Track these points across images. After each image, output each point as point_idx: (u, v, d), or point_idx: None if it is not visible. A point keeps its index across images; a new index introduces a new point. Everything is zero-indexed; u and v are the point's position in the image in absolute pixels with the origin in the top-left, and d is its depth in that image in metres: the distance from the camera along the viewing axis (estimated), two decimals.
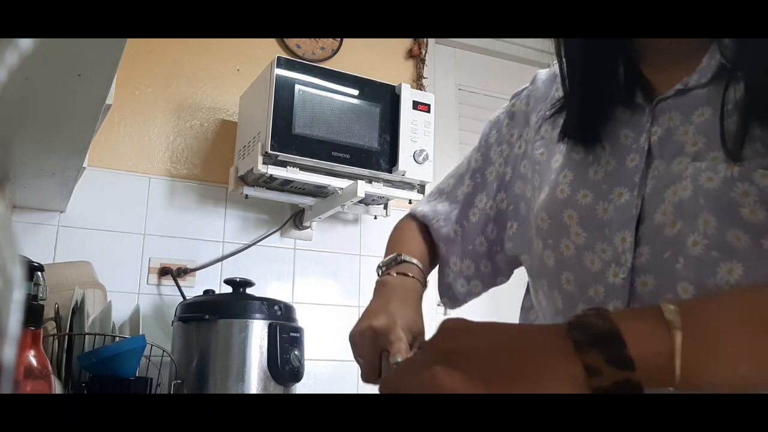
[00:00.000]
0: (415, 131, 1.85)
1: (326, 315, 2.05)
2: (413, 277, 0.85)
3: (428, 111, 1.89)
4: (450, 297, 0.93)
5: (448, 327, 0.51)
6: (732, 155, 0.59)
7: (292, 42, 2.17)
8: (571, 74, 0.73)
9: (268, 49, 2.10)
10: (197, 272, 1.92)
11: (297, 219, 2.06)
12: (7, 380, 0.26)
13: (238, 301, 1.67)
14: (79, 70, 0.92)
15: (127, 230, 1.88)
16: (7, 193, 1.52)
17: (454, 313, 0.83)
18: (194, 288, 1.89)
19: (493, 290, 0.92)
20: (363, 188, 1.74)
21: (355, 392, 1.91)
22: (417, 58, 2.35)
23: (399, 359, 0.69)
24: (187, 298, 1.80)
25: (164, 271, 1.88)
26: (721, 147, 0.60)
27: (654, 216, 0.64)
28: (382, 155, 1.81)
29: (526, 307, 0.88)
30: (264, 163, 1.70)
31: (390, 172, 1.81)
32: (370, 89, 1.83)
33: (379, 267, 0.89)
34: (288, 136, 1.70)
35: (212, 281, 1.90)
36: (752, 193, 0.57)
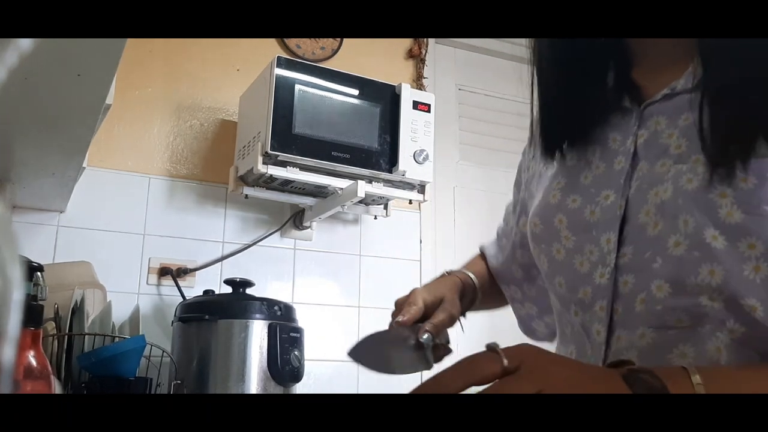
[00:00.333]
0: (415, 131, 1.85)
1: (326, 315, 2.05)
2: (452, 275, 0.93)
3: (428, 111, 1.89)
4: (520, 320, 0.97)
5: (536, 352, 0.53)
6: (710, 158, 0.59)
7: (292, 42, 2.17)
8: (561, 81, 0.74)
9: (268, 49, 2.10)
10: (197, 272, 1.92)
11: (297, 219, 2.06)
12: (6, 380, 0.26)
13: (238, 301, 1.67)
14: (79, 70, 0.92)
15: (127, 230, 1.88)
16: (7, 193, 1.52)
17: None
18: (194, 288, 1.89)
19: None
20: (363, 188, 1.74)
21: (355, 392, 1.90)
22: (417, 58, 2.35)
23: (426, 337, 0.77)
24: (187, 298, 1.80)
25: (164, 271, 1.88)
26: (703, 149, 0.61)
27: (638, 216, 0.65)
28: (382, 155, 1.81)
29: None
30: (264, 163, 1.70)
31: (390, 172, 1.81)
32: (370, 89, 1.83)
33: None
34: (288, 136, 1.70)
35: (212, 281, 1.90)
36: (729, 195, 0.58)
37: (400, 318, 0.81)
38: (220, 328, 1.61)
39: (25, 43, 0.30)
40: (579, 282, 0.70)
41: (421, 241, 2.24)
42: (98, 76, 0.95)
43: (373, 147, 1.80)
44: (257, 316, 1.62)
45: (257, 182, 1.84)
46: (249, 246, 2.00)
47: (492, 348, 0.53)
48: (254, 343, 1.60)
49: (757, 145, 0.58)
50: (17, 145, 1.25)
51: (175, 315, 1.71)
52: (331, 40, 2.23)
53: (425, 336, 0.78)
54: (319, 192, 1.90)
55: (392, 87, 1.87)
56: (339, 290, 2.11)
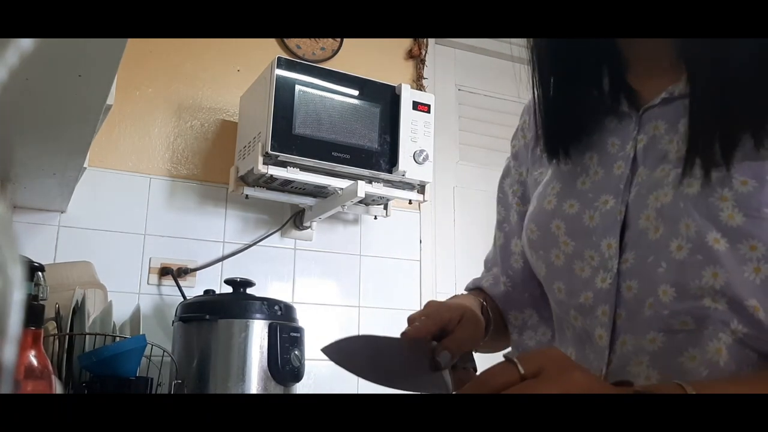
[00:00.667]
0: (415, 131, 1.85)
1: (326, 315, 2.05)
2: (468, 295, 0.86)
3: (428, 111, 1.89)
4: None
5: (559, 356, 0.54)
6: (705, 162, 0.60)
7: (292, 42, 2.17)
8: (557, 85, 0.74)
9: (268, 49, 2.10)
10: (197, 272, 1.92)
11: (297, 219, 2.06)
12: (7, 380, 0.26)
13: (238, 301, 1.67)
14: (79, 70, 0.92)
15: (128, 230, 1.88)
16: (8, 194, 1.52)
17: None
18: (194, 288, 1.89)
19: None
20: (363, 188, 1.75)
21: (355, 392, 1.91)
22: (417, 58, 2.35)
23: (443, 355, 0.67)
24: (188, 298, 1.80)
25: (165, 271, 1.88)
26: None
27: (638, 222, 0.65)
28: (382, 155, 1.81)
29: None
30: (264, 163, 1.70)
31: (390, 172, 1.81)
32: (370, 90, 1.83)
33: None
34: (288, 137, 1.70)
35: (212, 281, 1.90)
36: (729, 198, 0.58)
37: (408, 329, 0.70)
38: (221, 327, 1.61)
39: (26, 44, 0.30)
40: (579, 287, 0.70)
41: (421, 241, 2.24)
42: (99, 77, 0.95)
43: (373, 147, 1.80)
44: (257, 315, 1.62)
45: (257, 182, 1.84)
46: (249, 246, 2.00)
47: (508, 358, 0.53)
48: (254, 343, 1.60)
49: (742, 145, 0.58)
50: (18, 145, 1.25)
51: (175, 315, 1.71)
52: (331, 40, 2.23)
53: (443, 354, 0.68)
54: (319, 192, 1.90)
55: (392, 87, 1.87)
56: (339, 290, 2.11)
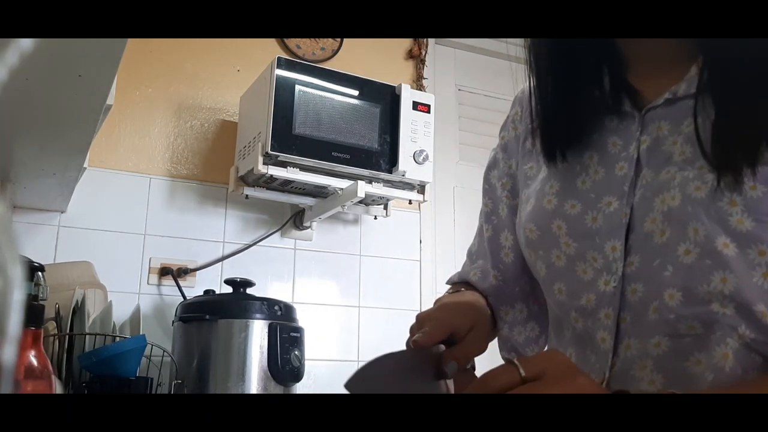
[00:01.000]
0: (415, 131, 1.85)
1: (326, 315, 2.05)
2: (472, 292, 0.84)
3: (428, 111, 1.89)
4: (509, 349, 0.85)
5: (562, 360, 0.54)
6: (717, 166, 0.59)
7: (292, 42, 2.17)
8: (555, 79, 0.73)
9: (268, 49, 2.10)
10: (197, 272, 1.92)
11: (297, 219, 2.06)
12: (7, 380, 0.26)
13: (238, 301, 1.67)
14: (79, 70, 0.92)
15: (128, 230, 1.88)
16: (8, 194, 1.52)
17: None
18: (194, 288, 1.89)
19: None
20: (363, 188, 1.75)
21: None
22: (417, 58, 2.35)
23: (451, 365, 0.65)
24: (188, 298, 1.80)
25: (165, 271, 1.88)
26: (703, 156, 0.61)
27: (643, 224, 0.65)
28: (382, 155, 1.81)
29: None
30: (264, 163, 1.70)
31: (390, 172, 1.81)
32: (370, 90, 1.83)
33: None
34: (288, 137, 1.70)
35: (212, 281, 1.90)
36: (739, 202, 0.58)
37: (418, 336, 0.67)
38: (221, 327, 1.61)
39: (26, 44, 0.30)
40: (581, 289, 0.69)
41: (421, 241, 2.24)
42: (99, 77, 0.95)
43: (373, 147, 1.80)
44: (257, 315, 1.62)
45: (257, 182, 1.84)
46: (249, 246, 2.00)
47: (509, 360, 0.52)
48: (254, 343, 1.60)
49: (762, 151, 0.57)
50: (18, 145, 1.25)
51: (175, 315, 1.71)
52: (331, 40, 2.23)
53: (450, 364, 0.66)
54: (319, 192, 1.90)
55: (392, 87, 1.87)
56: (339, 290, 2.11)
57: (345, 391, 0.57)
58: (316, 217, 1.98)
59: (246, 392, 1.56)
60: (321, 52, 2.20)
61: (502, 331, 0.86)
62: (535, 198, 0.75)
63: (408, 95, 1.87)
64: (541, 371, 0.51)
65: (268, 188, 1.88)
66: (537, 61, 0.74)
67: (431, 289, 2.18)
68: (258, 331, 1.61)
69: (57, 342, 1.47)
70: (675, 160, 0.64)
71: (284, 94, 1.72)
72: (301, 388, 1.70)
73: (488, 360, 0.70)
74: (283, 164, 1.73)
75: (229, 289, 1.75)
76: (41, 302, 1.21)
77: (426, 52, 2.37)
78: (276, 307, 1.66)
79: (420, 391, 0.65)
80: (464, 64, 2.49)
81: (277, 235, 2.05)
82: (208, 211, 1.99)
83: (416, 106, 1.87)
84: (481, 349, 0.73)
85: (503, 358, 0.54)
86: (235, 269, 1.94)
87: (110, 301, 1.63)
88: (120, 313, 1.65)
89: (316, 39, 2.21)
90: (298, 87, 1.74)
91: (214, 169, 2.01)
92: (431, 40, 2.40)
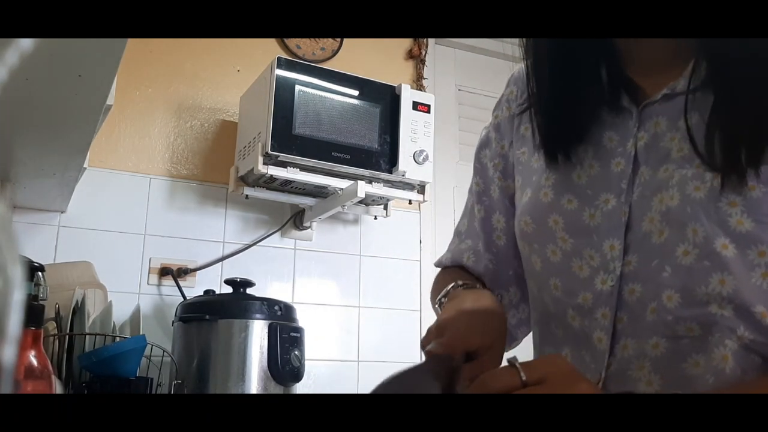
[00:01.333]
0: (415, 131, 1.85)
1: (326, 315, 2.05)
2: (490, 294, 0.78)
3: (428, 111, 1.89)
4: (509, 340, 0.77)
5: (564, 365, 0.54)
6: (708, 164, 0.59)
7: (292, 42, 2.17)
8: (553, 77, 0.72)
9: (268, 49, 2.10)
10: (197, 272, 1.92)
11: (297, 219, 2.06)
12: (7, 380, 0.26)
13: (238, 301, 1.67)
14: (79, 70, 0.92)
15: (128, 230, 1.88)
16: (8, 194, 1.52)
17: None
18: (195, 288, 1.89)
19: None
20: (363, 188, 1.75)
21: (355, 392, 1.90)
22: (417, 58, 2.35)
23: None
24: (188, 298, 1.80)
25: (165, 272, 1.88)
26: (698, 156, 0.60)
27: (641, 224, 0.64)
28: (382, 155, 1.81)
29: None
30: (264, 163, 1.70)
31: (390, 172, 1.81)
32: (370, 90, 1.83)
33: (437, 300, 0.79)
34: (288, 137, 1.70)
35: (213, 281, 1.90)
36: (739, 203, 0.57)
37: (433, 347, 0.62)
38: (221, 328, 1.61)
39: (26, 44, 0.30)
40: (578, 286, 0.68)
41: (420, 241, 2.24)
42: (99, 77, 0.95)
43: (373, 147, 1.80)
44: (257, 316, 1.62)
45: (257, 182, 1.84)
46: (249, 246, 2.00)
47: (511, 362, 0.52)
48: (254, 343, 1.60)
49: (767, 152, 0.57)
50: (18, 145, 1.25)
51: (175, 315, 1.71)
52: (331, 40, 2.23)
53: (462, 385, 0.61)
54: (319, 192, 1.90)
55: (392, 87, 1.87)
56: (339, 290, 2.11)
57: (345, 392, 0.57)
58: (316, 217, 1.98)
59: (246, 392, 1.56)
60: (321, 52, 2.20)
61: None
62: (531, 189, 0.74)
63: (408, 95, 1.87)
64: (542, 376, 0.51)
65: (268, 188, 1.88)
66: (535, 61, 0.74)
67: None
68: (258, 331, 1.61)
69: (57, 342, 1.47)
70: (673, 158, 0.63)
71: (284, 94, 1.72)
72: (301, 388, 1.70)
73: None
74: (283, 164, 1.73)
75: (229, 289, 1.75)
76: (41, 302, 1.21)
77: (426, 52, 2.37)
78: (276, 307, 1.66)
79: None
80: (464, 64, 2.49)
81: (277, 235, 2.05)
82: (208, 211, 1.99)
83: (416, 106, 1.87)
84: (497, 367, 0.65)
85: (507, 360, 0.53)
86: (235, 269, 1.94)
87: (110, 301, 1.63)
88: (120, 313, 1.65)
89: (316, 39, 2.21)
90: (298, 87, 1.74)
91: (214, 169, 2.01)
92: (431, 40, 2.40)
